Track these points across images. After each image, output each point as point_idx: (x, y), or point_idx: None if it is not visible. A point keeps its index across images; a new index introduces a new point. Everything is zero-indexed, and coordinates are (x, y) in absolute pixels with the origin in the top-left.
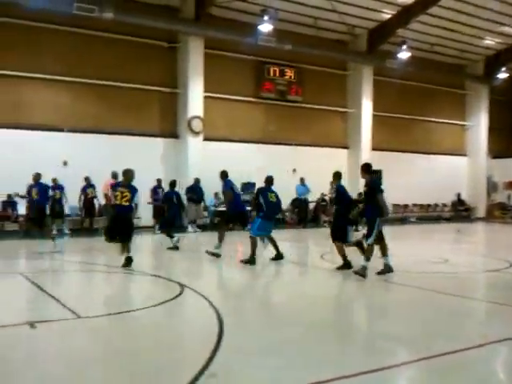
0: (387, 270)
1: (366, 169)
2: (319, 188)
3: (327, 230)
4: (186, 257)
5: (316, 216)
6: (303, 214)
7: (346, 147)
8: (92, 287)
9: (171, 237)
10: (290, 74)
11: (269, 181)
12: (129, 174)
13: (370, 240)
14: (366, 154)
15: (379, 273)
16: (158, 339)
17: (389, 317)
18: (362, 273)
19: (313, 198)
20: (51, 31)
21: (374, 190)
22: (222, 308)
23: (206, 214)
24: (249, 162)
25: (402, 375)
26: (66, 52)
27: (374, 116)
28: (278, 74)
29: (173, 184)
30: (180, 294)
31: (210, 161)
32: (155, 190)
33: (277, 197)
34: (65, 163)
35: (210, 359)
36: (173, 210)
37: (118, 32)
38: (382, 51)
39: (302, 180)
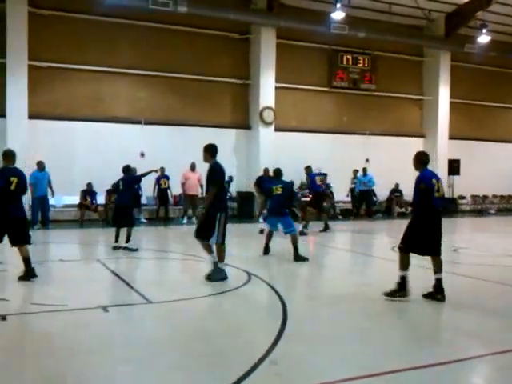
0: None
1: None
2: (393, 178)
3: (400, 222)
4: (255, 246)
5: (389, 207)
6: (364, 206)
7: (421, 136)
8: (164, 273)
9: None
10: (363, 61)
11: (276, 173)
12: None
13: None
14: (443, 143)
15: None
16: (224, 325)
17: (461, 310)
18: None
19: (384, 188)
20: (128, 26)
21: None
22: (287, 296)
23: None
24: (320, 152)
25: (472, 369)
26: (142, 46)
27: (452, 103)
28: (350, 63)
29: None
30: (247, 281)
31: (282, 151)
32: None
33: (283, 189)
34: (142, 154)
35: (272, 346)
36: None
37: (190, 25)
38: (460, 35)
39: (364, 170)
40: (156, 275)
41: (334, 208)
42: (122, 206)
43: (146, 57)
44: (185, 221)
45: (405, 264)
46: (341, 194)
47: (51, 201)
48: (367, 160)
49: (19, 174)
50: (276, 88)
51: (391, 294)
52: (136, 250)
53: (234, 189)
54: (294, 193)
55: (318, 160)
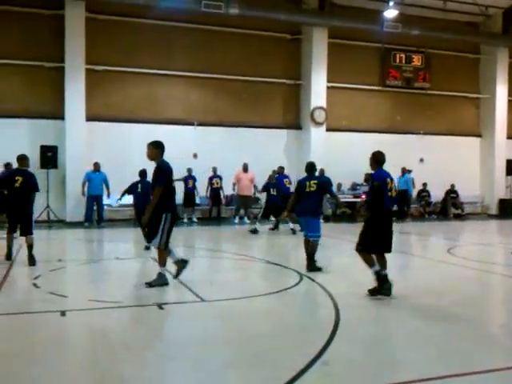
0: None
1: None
2: (449, 179)
3: (456, 224)
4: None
5: (444, 208)
6: (404, 207)
7: (478, 135)
8: (216, 272)
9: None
10: (416, 60)
11: (309, 168)
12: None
13: None
14: (501, 143)
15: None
16: (277, 324)
17: None
18: None
19: (439, 189)
20: (181, 29)
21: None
22: (340, 297)
23: (328, 205)
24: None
25: None
26: (195, 49)
27: (510, 101)
28: (404, 61)
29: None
30: (299, 282)
31: (333, 151)
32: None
33: (318, 185)
34: (194, 155)
35: (325, 347)
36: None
37: (242, 27)
38: None
39: (402, 170)
40: (209, 274)
41: None
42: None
43: (198, 59)
44: (237, 221)
45: (370, 262)
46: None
47: (107, 200)
48: (421, 160)
49: (26, 175)
50: (327, 88)
51: (373, 292)
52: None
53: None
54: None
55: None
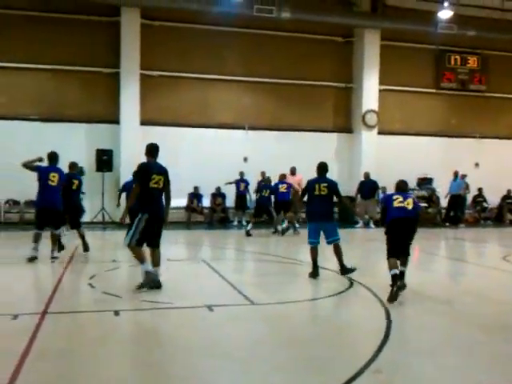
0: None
1: None
2: (505, 184)
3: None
4: (356, 251)
5: (499, 214)
6: (457, 212)
7: None
8: (265, 276)
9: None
10: (472, 61)
11: (321, 168)
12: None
13: None
14: None
15: None
16: (326, 330)
17: None
18: None
19: (495, 195)
20: (233, 34)
21: None
22: (391, 305)
23: (378, 209)
24: (426, 156)
25: None
26: (246, 53)
27: None
28: (459, 63)
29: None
30: (349, 287)
31: (385, 155)
32: None
33: (328, 188)
34: (245, 159)
35: (376, 354)
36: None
37: (293, 30)
38: None
39: (455, 174)
40: (258, 277)
41: (440, 215)
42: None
43: (249, 63)
44: (285, 224)
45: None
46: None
47: None
48: (477, 164)
49: (79, 179)
50: (380, 90)
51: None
52: None
53: None
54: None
55: (423, 164)
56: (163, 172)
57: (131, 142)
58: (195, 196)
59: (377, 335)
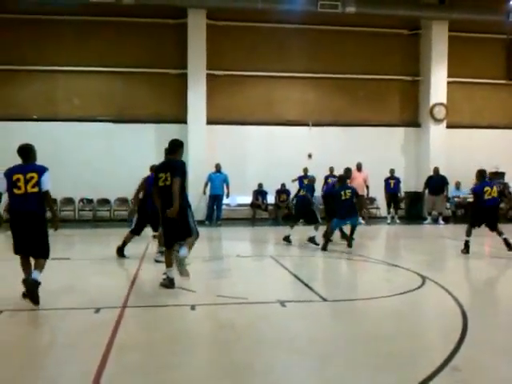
0: None
1: None
2: None
3: None
4: (425, 248)
5: None
6: None
7: None
8: (334, 272)
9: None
10: None
11: (343, 179)
12: None
13: None
14: None
15: None
16: (401, 327)
17: None
18: None
19: None
20: (296, 30)
21: None
22: (466, 302)
23: (448, 205)
24: (498, 150)
25: None
26: (310, 49)
27: None
28: None
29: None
30: (422, 285)
31: (454, 149)
32: (387, 181)
33: (351, 193)
34: (309, 156)
35: (454, 352)
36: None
37: (357, 24)
38: None
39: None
40: (327, 274)
41: None
42: None
43: (313, 59)
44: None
45: None
46: None
47: (226, 200)
48: None
49: None
50: (448, 83)
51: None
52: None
53: (403, 188)
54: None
55: (494, 158)
56: (168, 169)
57: (198, 141)
58: (259, 193)
59: (453, 333)
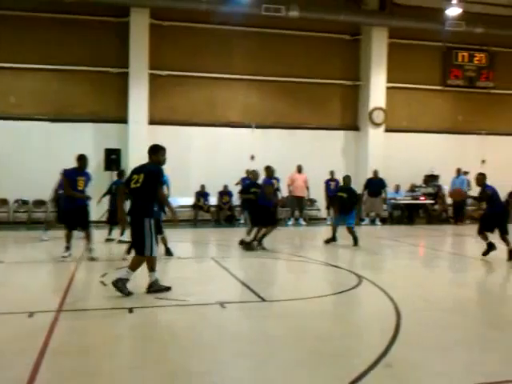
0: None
1: None
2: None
3: None
4: (362, 248)
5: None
6: (459, 209)
7: None
8: (274, 273)
9: None
10: (480, 58)
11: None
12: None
13: None
14: None
15: None
16: (337, 326)
17: None
18: None
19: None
20: (241, 33)
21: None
22: (400, 300)
23: (385, 206)
24: (433, 153)
25: None
26: (254, 52)
27: None
28: (466, 60)
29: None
30: (358, 284)
31: (392, 152)
32: (327, 183)
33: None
34: (252, 157)
35: (387, 350)
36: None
37: (300, 29)
38: None
39: (457, 171)
40: (267, 275)
41: (446, 212)
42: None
43: (258, 62)
44: (291, 222)
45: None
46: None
47: None
48: (483, 161)
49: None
50: (387, 88)
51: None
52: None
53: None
54: None
55: (430, 161)
56: (142, 171)
57: (139, 142)
58: (202, 194)
59: (387, 331)
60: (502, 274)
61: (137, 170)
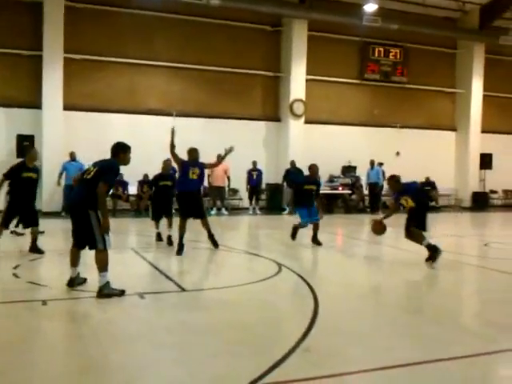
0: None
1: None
2: (424, 172)
3: (429, 216)
4: (283, 237)
5: None
6: (375, 199)
7: (453, 129)
8: (195, 263)
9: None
10: (395, 54)
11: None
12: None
13: None
14: (475, 137)
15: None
16: (257, 314)
17: (492, 303)
18: None
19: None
20: (162, 19)
21: None
22: (318, 287)
23: None
24: (351, 145)
25: (503, 362)
26: (176, 39)
27: (485, 96)
28: (382, 55)
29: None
30: (278, 272)
31: (311, 144)
32: (250, 173)
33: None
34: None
35: (305, 335)
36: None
37: (223, 17)
38: (495, 27)
39: (372, 163)
40: (187, 264)
41: (363, 201)
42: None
43: (179, 50)
44: (214, 212)
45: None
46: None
47: None
48: (398, 153)
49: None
50: (307, 80)
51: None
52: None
53: (264, 180)
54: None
55: (347, 152)
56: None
57: (54, 128)
58: (120, 183)
59: (305, 318)
60: (416, 261)
61: (94, 163)
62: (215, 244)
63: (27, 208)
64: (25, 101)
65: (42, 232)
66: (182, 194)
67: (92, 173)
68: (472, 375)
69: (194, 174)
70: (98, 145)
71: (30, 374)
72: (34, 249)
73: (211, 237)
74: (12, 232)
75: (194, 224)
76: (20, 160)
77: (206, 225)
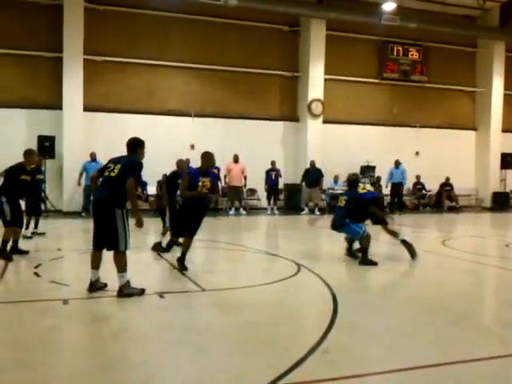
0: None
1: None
2: (444, 172)
3: (450, 216)
4: (303, 237)
5: (438, 201)
6: (399, 199)
7: (473, 129)
8: (214, 263)
9: None
10: (414, 53)
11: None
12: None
13: None
14: (496, 136)
15: None
16: (276, 314)
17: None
18: None
19: (434, 182)
20: (180, 20)
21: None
22: (337, 287)
23: (323, 196)
24: (369, 145)
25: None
26: (194, 40)
27: (505, 95)
28: (401, 54)
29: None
30: (297, 272)
31: (330, 143)
32: (268, 173)
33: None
34: (192, 146)
35: (324, 336)
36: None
37: (241, 18)
38: None
39: (396, 163)
40: (207, 264)
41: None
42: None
43: (197, 50)
44: (232, 212)
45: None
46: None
47: None
48: (417, 153)
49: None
50: (325, 80)
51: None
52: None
53: (282, 181)
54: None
55: (366, 152)
56: (120, 162)
57: (74, 129)
58: (139, 183)
59: (324, 318)
60: (435, 262)
61: (114, 160)
62: (183, 267)
63: (15, 208)
64: (45, 102)
65: (43, 233)
66: (190, 205)
67: (116, 170)
68: (490, 377)
69: (205, 188)
70: (117, 145)
71: (50, 371)
72: (16, 250)
73: (183, 260)
74: (33, 233)
75: (210, 224)
76: (17, 162)
77: (189, 242)
